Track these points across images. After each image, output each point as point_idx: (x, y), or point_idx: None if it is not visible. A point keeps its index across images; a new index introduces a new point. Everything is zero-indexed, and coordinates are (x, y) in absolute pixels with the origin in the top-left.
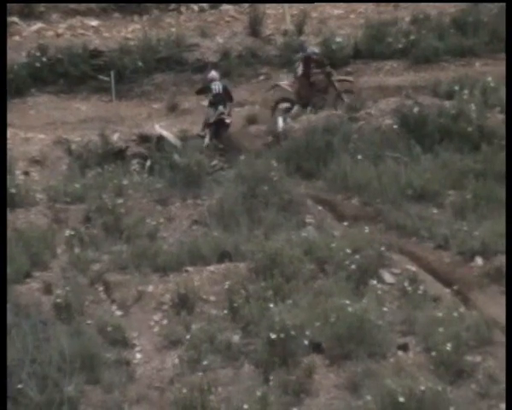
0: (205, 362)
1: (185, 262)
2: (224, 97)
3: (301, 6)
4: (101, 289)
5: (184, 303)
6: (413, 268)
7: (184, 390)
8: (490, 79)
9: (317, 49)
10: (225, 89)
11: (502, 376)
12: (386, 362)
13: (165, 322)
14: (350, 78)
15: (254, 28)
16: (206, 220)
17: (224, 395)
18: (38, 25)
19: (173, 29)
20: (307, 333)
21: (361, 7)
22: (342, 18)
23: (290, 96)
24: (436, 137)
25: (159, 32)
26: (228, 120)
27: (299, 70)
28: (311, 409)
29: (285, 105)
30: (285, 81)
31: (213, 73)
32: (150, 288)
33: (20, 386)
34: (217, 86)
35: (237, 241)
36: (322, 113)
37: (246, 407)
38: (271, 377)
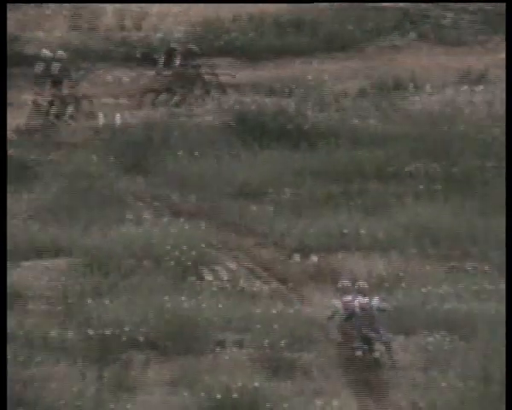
0: (38, 358)
1: None
2: None
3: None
4: None
5: (17, 299)
6: (243, 265)
7: (17, 387)
8: (326, 77)
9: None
10: None
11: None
12: (205, 358)
13: None
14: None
15: None
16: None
17: (56, 391)
18: None
19: None
20: (126, 329)
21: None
22: (178, 15)
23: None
24: (273, 136)
25: None
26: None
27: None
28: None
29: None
30: None
31: None
32: None
33: None
34: None
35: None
36: (159, 109)
37: (79, 403)
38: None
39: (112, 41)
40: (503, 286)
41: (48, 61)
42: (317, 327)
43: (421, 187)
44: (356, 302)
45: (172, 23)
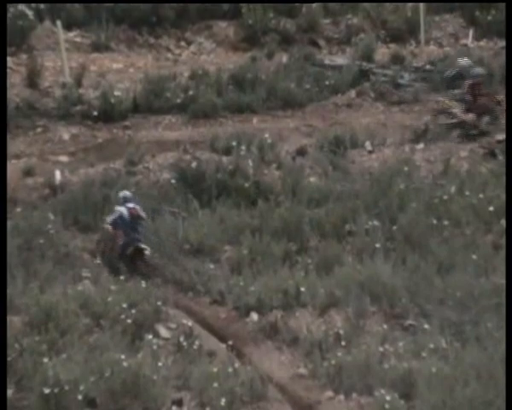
0: None
1: None
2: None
3: (80, 59)
4: None
5: None
6: (189, 323)
7: None
8: (267, 135)
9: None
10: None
11: None
12: None
13: None
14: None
15: (32, 80)
16: None
17: None
18: None
19: None
20: (81, 388)
21: (140, 62)
22: (121, 72)
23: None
24: (214, 193)
25: None
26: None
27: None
28: None
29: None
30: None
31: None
32: None
33: None
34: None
35: (12, 294)
36: (100, 166)
37: None
38: None
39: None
40: (443, 344)
41: None
42: (264, 385)
43: (368, 245)
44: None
45: (114, 80)
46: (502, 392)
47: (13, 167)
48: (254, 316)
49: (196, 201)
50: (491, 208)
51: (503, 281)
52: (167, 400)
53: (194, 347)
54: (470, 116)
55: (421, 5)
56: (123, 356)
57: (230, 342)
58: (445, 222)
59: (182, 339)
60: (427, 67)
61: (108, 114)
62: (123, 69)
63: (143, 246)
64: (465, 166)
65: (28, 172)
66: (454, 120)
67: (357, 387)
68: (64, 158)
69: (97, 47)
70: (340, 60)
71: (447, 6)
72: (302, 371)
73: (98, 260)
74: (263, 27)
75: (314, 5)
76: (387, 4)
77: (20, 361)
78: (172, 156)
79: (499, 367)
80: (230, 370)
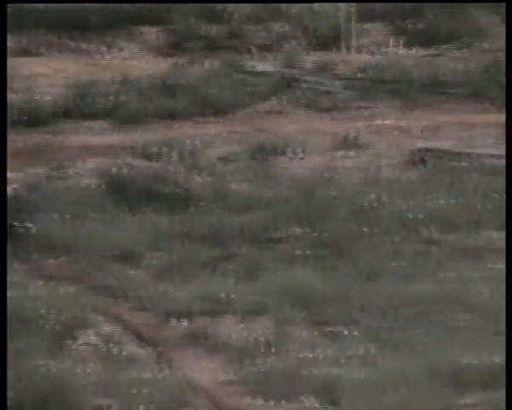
0: None
1: None
2: None
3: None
4: None
5: None
6: (117, 329)
7: None
8: (192, 141)
9: None
10: None
11: None
12: None
13: None
14: None
15: None
16: None
17: None
18: None
19: None
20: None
21: (70, 67)
22: (50, 76)
23: None
24: (142, 198)
25: None
26: None
27: None
28: None
29: None
30: None
31: None
32: None
33: None
34: None
35: None
36: (24, 171)
37: None
38: None
39: None
40: (373, 351)
41: None
42: (191, 391)
43: (294, 252)
44: None
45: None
46: (421, 398)
47: None
48: (183, 322)
49: (124, 206)
50: (417, 216)
51: (428, 288)
52: (90, 407)
53: (123, 353)
54: None
55: (352, 12)
56: (43, 362)
57: (159, 349)
58: (373, 229)
59: (109, 345)
60: (353, 74)
61: (35, 119)
62: (51, 74)
63: None
64: (391, 174)
65: None
66: None
67: (283, 394)
68: None
69: (26, 52)
70: (266, 66)
71: (378, 14)
72: (227, 377)
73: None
74: (187, 33)
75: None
76: (317, 11)
77: None
78: (100, 162)
79: (421, 374)
80: (158, 376)
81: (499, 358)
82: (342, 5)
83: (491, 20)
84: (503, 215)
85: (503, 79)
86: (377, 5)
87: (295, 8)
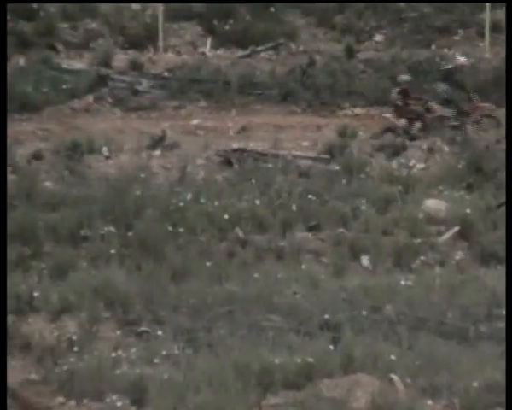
0: None
1: None
2: None
3: None
4: None
5: None
6: None
7: None
8: (10, 139)
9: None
10: None
11: None
12: None
13: None
14: None
15: None
16: None
17: None
18: None
19: None
20: None
21: None
22: None
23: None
24: None
25: None
26: None
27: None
28: None
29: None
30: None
31: None
32: None
33: None
34: None
35: None
36: None
37: None
38: None
39: None
40: (176, 351)
41: None
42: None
43: (102, 251)
44: None
45: None
46: (232, 398)
47: None
48: None
49: None
50: (225, 216)
51: (237, 288)
52: None
53: None
54: (402, 121)
55: (160, 12)
56: None
57: None
58: (181, 229)
59: None
60: (165, 74)
61: None
62: None
63: None
64: (201, 174)
65: None
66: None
67: (89, 392)
68: None
69: None
70: (78, 64)
71: (186, 14)
72: (33, 376)
73: None
74: None
75: (52, 9)
76: (126, 10)
77: None
78: None
79: (230, 374)
80: None
81: (300, 359)
82: (150, 5)
83: (302, 22)
84: (312, 216)
85: (307, 81)
86: (193, 5)
87: (104, 7)
